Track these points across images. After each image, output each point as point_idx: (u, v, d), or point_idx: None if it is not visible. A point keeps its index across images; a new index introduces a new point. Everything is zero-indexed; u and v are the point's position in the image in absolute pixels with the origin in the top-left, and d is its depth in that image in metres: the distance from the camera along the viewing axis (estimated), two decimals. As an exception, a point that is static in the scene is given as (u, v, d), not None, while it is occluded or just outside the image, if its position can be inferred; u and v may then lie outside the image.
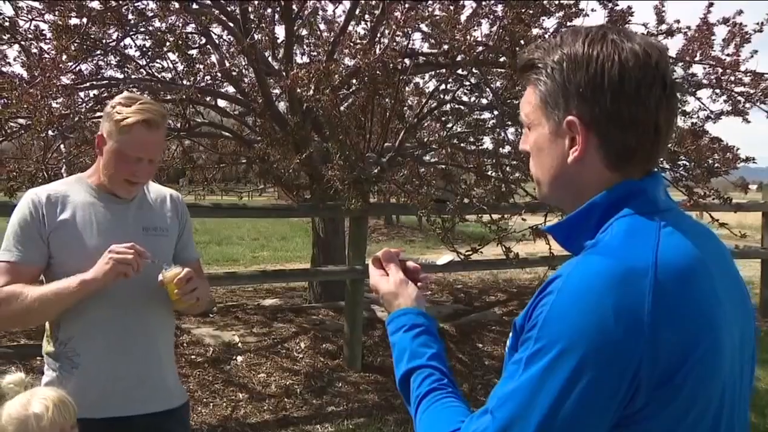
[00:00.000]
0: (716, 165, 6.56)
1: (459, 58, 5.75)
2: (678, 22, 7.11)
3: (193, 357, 5.88)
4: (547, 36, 6.34)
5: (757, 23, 6.82)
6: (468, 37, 5.10)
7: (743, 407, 1.20)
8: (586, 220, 1.20)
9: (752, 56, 7.18)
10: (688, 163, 6.61)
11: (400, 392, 1.38)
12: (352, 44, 5.43)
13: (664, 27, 7.01)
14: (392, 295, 1.49)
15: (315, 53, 7.85)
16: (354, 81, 6.66)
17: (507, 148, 7.05)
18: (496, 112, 7.09)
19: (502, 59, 6.07)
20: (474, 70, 6.67)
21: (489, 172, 7.11)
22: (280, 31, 7.32)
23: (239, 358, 6.01)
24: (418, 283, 1.54)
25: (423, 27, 6.29)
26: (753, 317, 1.26)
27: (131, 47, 6.55)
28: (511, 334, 1.22)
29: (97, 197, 2.39)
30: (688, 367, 1.05)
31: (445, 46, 6.72)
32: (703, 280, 1.11)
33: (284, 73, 5.87)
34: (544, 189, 1.30)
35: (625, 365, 1.02)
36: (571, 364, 1.02)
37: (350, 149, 5.36)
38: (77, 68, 5.70)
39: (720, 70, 6.98)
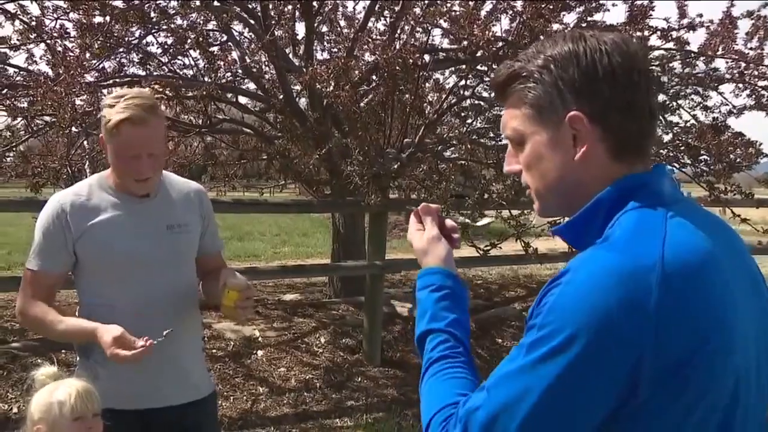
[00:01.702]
0: (738, 160, 6.50)
1: (478, 54, 5.74)
2: (701, 16, 7.05)
3: (214, 351, 5.94)
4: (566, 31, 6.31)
5: (782, 16, 6.75)
6: (487, 32, 5.09)
7: (760, 404, 1.19)
8: (593, 217, 1.20)
9: (776, 50, 7.11)
10: (709, 159, 6.56)
11: (417, 349, 1.38)
12: (371, 40, 5.44)
13: (686, 21, 6.96)
14: (422, 252, 1.47)
15: (335, 49, 7.88)
16: (374, 77, 6.68)
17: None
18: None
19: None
20: (494, 66, 6.66)
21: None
22: (300, 28, 7.37)
23: (260, 353, 6.07)
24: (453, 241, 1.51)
25: (442, 23, 6.30)
26: None
27: (153, 45, 6.62)
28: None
29: (119, 198, 2.40)
30: (696, 363, 1.05)
31: (465, 42, 6.73)
32: (713, 275, 1.11)
33: (304, 70, 5.91)
34: (549, 198, 1.28)
35: (627, 357, 1.03)
36: (573, 352, 1.03)
37: (369, 145, 5.39)
38: (100, 66, 5.78)
39: (743, 64, 6.92)
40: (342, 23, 8.17)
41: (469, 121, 7.54)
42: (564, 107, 1.19)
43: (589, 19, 6.75)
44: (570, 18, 6.78)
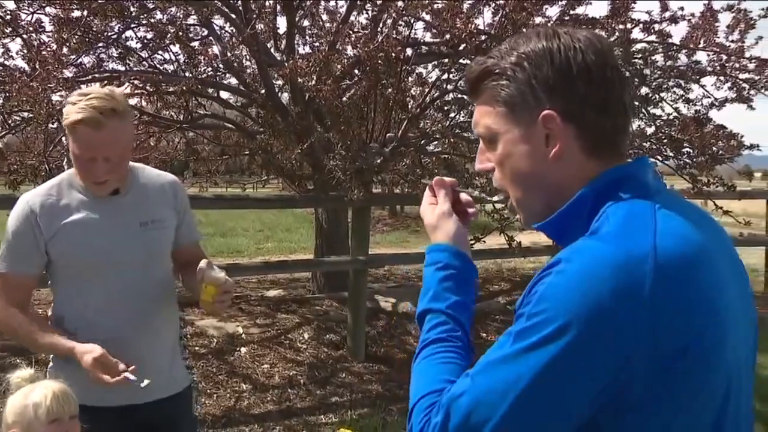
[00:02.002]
0: (720, 152, 6.53)
1: (461, 48, 5.72)
2: (682, 9, 7.06)
3: (197, 348, 5.89)
4: (550, 24, 6.30)
5: (763, 8, 6.77)
6: (469, 25, 5.06)
7: (747, 397, 1.17)
8: (578, 211, 1.18)
9: (757, 42, 7.14)
10: (691, 151, 6.58)
11: (417, 326, 1.34)
12: (353, 33, 5.40)
13: (667, 14, 6.96)
14: (432, 228, 1.40)
15: (317, 44, 7.82)
16: (356, 71, 6.63)
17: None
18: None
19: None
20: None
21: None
22: (281, 22, 7.30)
23: (243, 350, 6.02)
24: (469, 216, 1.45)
25: (425, 16, 6.28)
26: (754, 302, 1.24)
27: (133, 39, 6.54)
28: None
29: (89, 196, 2.35)
30: (691, 356, 1.03)
31: (447, 35, 6.69)
32: (705, 266, 1.09)
33: (286, 64, 5.85)
34: (528, 203, 1.25)
35: (621, 348, 1.01)
36: (564, 341, 1.01)
37: (352, 139, 5.34)
38: (78, 61, 5.70)
39: (724, 57, 6.94)
40: (324, 17, 8.12)
41: (452, 114, 7.51)
42: (537, 106, 1.18)
43: (571, 12, 6.74)
44: (553, 11, 6.75)
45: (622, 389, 1.02)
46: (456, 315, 1.30)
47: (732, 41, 6.93)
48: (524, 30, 5.56)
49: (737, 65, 7.02)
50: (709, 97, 7.44)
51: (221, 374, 5.60)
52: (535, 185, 1.22)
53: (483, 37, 5.87)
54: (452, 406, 1.09)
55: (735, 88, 7.17)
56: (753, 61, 6.83)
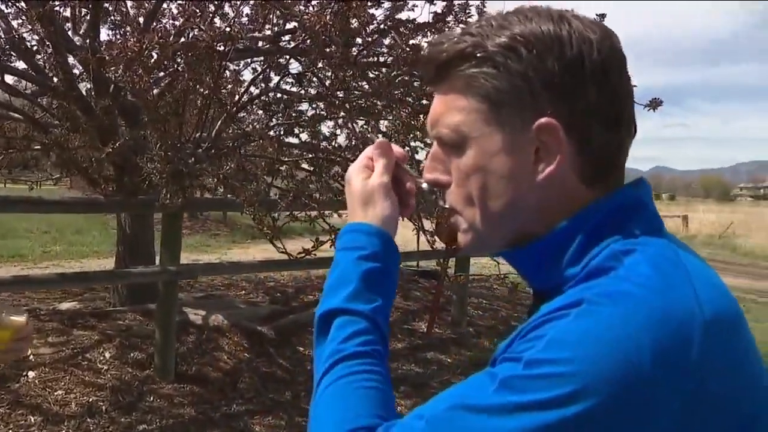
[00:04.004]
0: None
1: (281, 43, 5.36)
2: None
3: (-27, 375, 5.06)
4: (370, 29, 6.07)
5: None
6: (323, 16, 4.69)
7: None
8: (567, 244, 0.90)
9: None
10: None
11: (315, 324, 1.02)
12: (179, 14, 4.84)
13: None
14: (361, 198, 1.08)
15: (121, 32, 7.08)
16: (165, 63, 6.06)
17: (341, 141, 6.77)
18: (321, 104, 6.73)
19: (329, 49, 5.73)
20: (299, 58, 6.30)
21: (304, 165, 6.81)
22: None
23: (31, 374, 5.25)
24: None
25: (246, 9, 5.86)
26: None
27: None
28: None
29: None
30: (736, 426, 0.80)
31: (269, 32, 6.30)
32: (744, 324, 0.87)
33: (89, 50, 5.17)
34: (487, 231, 0.96)
35: (652, 424, 0.75)
36: (581, 408, 0.74)
37: (170, 139, 4.80)
38: None
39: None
40: (129, 3, 7.39)
41: (275, 116, 7.10)
42: (533, 108, 0.89)
43: (395, 17, 6.57)
44: (378, 12, 6.51)
45: None
46: (381, 324, 1.01)
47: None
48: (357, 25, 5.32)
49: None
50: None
51: (3, 406, 4.85)
52: (507, 211, 0.93)
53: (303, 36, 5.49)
54: None
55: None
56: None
